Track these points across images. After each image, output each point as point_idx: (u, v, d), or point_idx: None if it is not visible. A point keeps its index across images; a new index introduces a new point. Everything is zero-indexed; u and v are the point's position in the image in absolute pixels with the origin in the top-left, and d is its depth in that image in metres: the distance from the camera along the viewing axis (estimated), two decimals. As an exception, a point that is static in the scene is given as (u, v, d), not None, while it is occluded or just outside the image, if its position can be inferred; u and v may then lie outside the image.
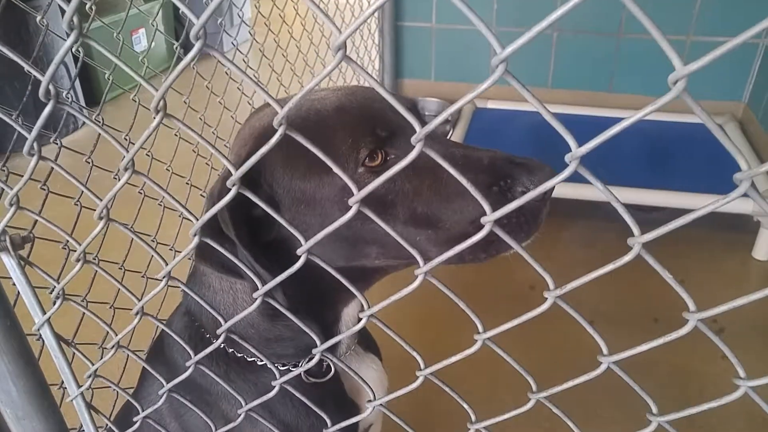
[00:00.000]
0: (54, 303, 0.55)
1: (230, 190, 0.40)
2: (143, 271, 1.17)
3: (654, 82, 2.39)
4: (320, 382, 0.69)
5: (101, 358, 0.61)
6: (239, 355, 0.68)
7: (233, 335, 0.57)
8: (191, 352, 0.55)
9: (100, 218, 0.44)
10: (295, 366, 0.68)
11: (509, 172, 0.53)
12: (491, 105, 2.52)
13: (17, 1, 0.77)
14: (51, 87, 0.36)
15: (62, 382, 0.65)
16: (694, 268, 1.83)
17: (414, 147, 0.33)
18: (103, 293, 1.02)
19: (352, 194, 0.40)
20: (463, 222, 0.55)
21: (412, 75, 2.64)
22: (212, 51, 0.33)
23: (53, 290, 0.56)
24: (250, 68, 1.53)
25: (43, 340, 0.60)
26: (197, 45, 0.33)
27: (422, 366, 0.44)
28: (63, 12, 0.33)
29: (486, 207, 0.35)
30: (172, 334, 0.58)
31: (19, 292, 0.57)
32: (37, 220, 0.52)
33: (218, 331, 0.52)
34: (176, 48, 1.13)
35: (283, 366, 0.69)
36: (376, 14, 2.54)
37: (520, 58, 2.55)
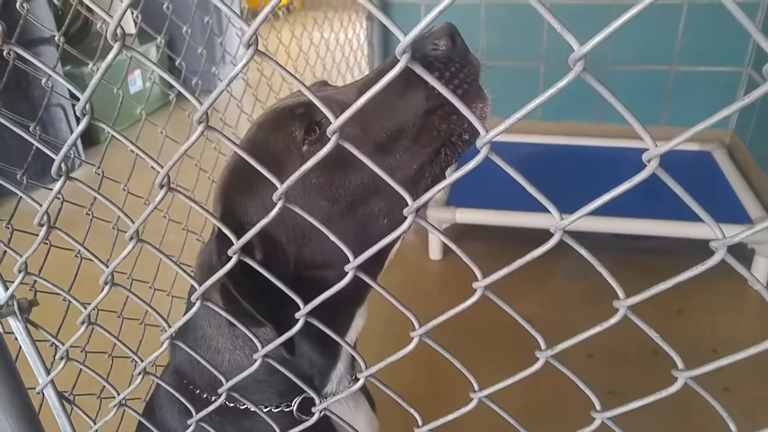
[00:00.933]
0: (58, 362, 0.56)
1: (230, 257, 0.42)
2: (140, 318, 1.18)
3: (640, 110, 2.45)
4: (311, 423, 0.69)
5: (99, 407, 0.61)
6: (231, 404, 0.68)
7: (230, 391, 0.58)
8: (192, 410, 0.56)
9: (105, 283, 0.45)
10: (288, 405, 0.69)
11: (416, 46, 0.54)
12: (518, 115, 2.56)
13: (20, 63, 0.79)
14: (63, 165, 0.38)
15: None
16: (690, 296, 1.84)
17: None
18: (102, 342, 1.03)
19: (310, 179, 0.47)
20: (415, 117, 0.56)
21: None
22: (217, 132, 0.35)
23: (56, 349, 0.57)
24: (244, 113, 1.56)
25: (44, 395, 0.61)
26: (199, 129, 0.34)
27: (420, 423, 0.45)
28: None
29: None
30: (172, 391, 0.59)
31: (20, 348, 0.58)
32: (36, 279, 0.54)
33: (220, 390, 0.53)
34: (172, 99, 1.16)
35: (276, 408, 0.69)
36: (364, 48, 2.58)
37: (510, 89, 2.59)
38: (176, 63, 1.16)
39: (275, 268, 0.58)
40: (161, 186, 0.36)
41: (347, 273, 0.46)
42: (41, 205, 0.43)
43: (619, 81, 2.42)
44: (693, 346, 1.67)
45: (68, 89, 0.35)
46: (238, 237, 0.43)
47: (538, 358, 0.38)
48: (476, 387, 0.41)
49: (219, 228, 0.52)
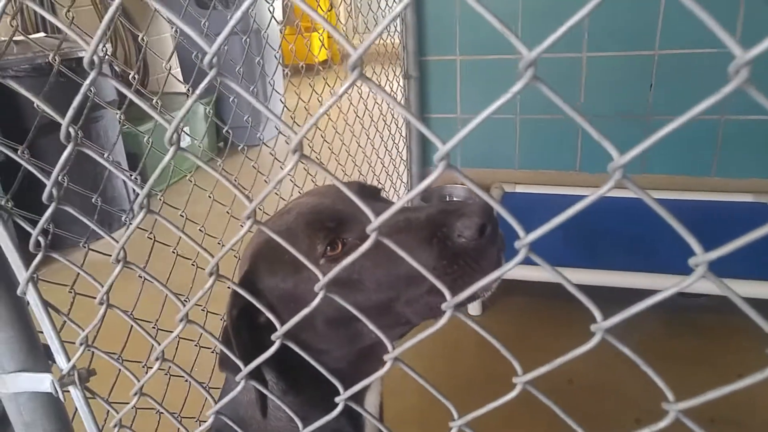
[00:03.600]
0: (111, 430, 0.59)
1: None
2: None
3: (684, 162, 2.41)
4: None
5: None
6: None
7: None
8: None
9: (156, 359, 0.48)
10: None
11: (444, 221, 0.57)
12: (519, 189, 2.58)
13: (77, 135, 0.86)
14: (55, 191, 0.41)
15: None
16: (751, 362, 1.75)
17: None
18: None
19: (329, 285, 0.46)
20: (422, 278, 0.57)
21: (441, 163, 2.72)
22: (263, 227, 0.38)
23: (108, 414, 0.60)
24: (281, 167, 1.62)
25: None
26: (248, 224, 0.37)
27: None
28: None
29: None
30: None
31: (76, 410, 0.61)
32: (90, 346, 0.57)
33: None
34: (219, 160, 1.22)
35: None
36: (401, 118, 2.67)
37: (548, 143, 2.63)
38: (224, 131, 1.23)
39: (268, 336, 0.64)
40: (210, 274, 0.40)
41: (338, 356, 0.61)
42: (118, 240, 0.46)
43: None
44: (749, 412, 1.58)
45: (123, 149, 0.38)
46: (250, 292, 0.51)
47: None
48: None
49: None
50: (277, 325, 0.43)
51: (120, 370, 0.62)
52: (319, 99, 1.92)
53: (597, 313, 0.30)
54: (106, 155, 1.00)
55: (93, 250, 0.93)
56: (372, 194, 0.73)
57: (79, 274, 0.53)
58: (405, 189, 2.75)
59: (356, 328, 0.63)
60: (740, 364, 1.72)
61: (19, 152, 0.78)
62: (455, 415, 0.37)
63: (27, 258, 0.48)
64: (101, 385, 0.69)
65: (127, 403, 0.56)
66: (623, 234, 2.11)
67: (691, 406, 0.30)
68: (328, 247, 0.62)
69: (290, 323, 0.41)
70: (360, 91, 2.20)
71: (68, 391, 0.54)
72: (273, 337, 0.43)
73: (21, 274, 0.47)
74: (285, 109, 1.72)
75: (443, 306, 0.34)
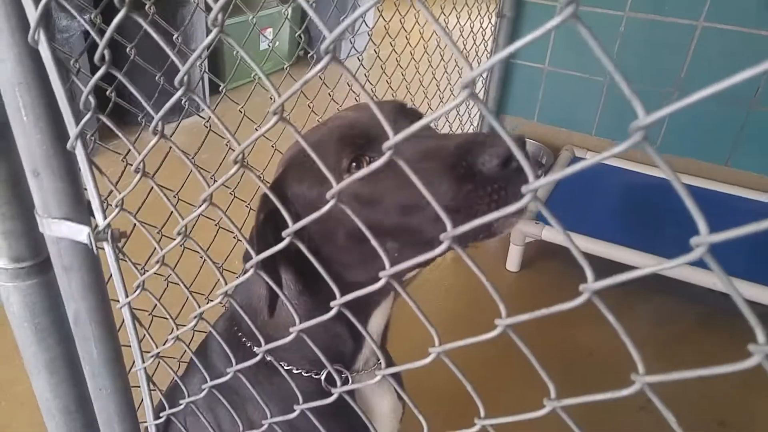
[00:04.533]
0: (135, 290, 0.64)
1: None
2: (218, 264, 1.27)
3: (700, 147, 2.27)
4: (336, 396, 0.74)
5: (164, 342, 0.70)
6: (269, 358, 0.74)
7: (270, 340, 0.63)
8: (232, 359, 0.62)
9: (179, 234, 0.51)
10: (318, 373, 0.74)
11: (471, 149, 0.55)
12: (590, 156, 2.46)
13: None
14: (186, 77, 0.42)
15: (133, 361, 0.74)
16: (734, 408, 1.65)
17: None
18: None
19: (347, 197, 0.50)
20: (441, 199, 0.57)
21: (516, 113, 2.63)
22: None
23: (141, 272, 0.66)
24: (369, 82, 1.61)
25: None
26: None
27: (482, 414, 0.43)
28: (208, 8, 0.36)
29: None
30: (216, 336, 0.66)
31: (111, 275, 0.67)
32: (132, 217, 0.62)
33: (257, 350, 0.58)
34: (290, 63, 1.23)
35: (306, 372, 0.74)
36: (487, 46, 2.56)
37: (631, 114, 2.44)
38: (296, 35, 1.22)
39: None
40: (235, 162, 0.41)
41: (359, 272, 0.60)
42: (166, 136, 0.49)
43: (764, 123, 2.19)
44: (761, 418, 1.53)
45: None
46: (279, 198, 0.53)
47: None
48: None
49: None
50: (290, 222, 0.44)
51: (153, 245, 0.66)
52: (416, 16, 1.86)
53: (589, 274, 0.29)
54: (175, 36, 1.02)
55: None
56: (411, 116, 0.72)
57: (131, 147, 0.56)
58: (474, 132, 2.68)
59: (380, 242, 0.63)
60: (723, 409, 1.63)
61: (92, 17, 0.81)
62: (437, 342, 0.38)
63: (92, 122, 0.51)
64: (133, 255, 0.74)
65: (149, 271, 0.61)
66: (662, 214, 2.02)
67: (657, 380, 0.29)
68: (354, 164, 0.63)
69: (301, 223, 0.42)
70: (446, 21, 2.11)
71: (102, 248, 0.59)
72: (283, 233, 0.45)
73: (72, 129, 0.50)
74: (381, 18, 1.66)
75: (441, 236, 0.34)
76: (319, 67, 0.32)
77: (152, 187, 0.98)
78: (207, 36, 0.37)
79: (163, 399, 0.81)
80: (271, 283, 0.52)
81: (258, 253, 0.59)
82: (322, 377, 0.74)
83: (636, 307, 1.94)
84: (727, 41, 2.11)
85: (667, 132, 2.35)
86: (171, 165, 1.02)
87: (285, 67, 1.24)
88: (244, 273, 0.61)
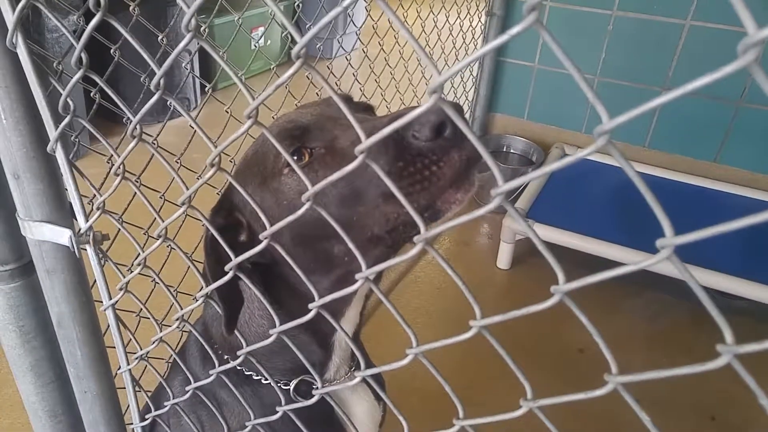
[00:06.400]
0: (118, 292, 0.64)
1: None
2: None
3: (688, 143, 2.28)
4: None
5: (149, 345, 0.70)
6: (239, 367, 0.73)
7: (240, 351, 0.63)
8: (216, 362, 0.62)
9: (158, 239, 0.52)
10: (287, 384, 0.73)
11: (404, 123, 0.50)
12: (581, 154, 2.47)
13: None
14: (161, 82, 0.42)
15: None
16: (728, 403, 1.66)
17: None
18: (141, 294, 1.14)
19: (283, 197, 0.53)
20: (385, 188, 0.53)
21: (505, 111, 2.64)
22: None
23: (128, 273, 0.66)
24: (358, 81, 1.61)
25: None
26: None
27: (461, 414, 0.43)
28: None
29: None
30: (198, 335, 0.66)
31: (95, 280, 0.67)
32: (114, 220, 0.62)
33: (239, 353, 0.58)
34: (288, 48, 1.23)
35: (275, 383, 0.74)
36: (477, 44, 2.57)
37: (621, 111, 2.45)
38: (282, 34, 1.22)
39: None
40: (211, 165, 0.41)
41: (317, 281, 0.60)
42: (153, 135, 0.49)
43: (751, 119, 2.20)
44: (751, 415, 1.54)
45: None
46: (228, 211, 0.61)
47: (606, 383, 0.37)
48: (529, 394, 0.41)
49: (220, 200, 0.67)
50: (231, 255, 0.44)
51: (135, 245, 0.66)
52: (405, 14, 1.86)
53: (560, 275, 0.29)
54: (160, 37, 1.02)
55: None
56: (363, 110, 0.70)
57: (112, 152, 0.56)
58: (464, 131, 2.68)
59: (324, 248, 0.61)
60: (716, 405, 1.63)
61: (76, 18, 0.81)
62: (414, 343, 0.38)
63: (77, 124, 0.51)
64: (121, 256, 0.74)
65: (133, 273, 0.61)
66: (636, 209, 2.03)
67: (628, 381, 0.30)
68: (294, 156, 0.59)
69: (243, 256, 0.42)
70: (435, 19, 2.12)
71: (85, 250, 0.59)
72: (261, 236, 0.45)
73: (51, 132, 0.50)
74: (369, 17, 1.66)
75: (415, 239, 0.34)
76: (290, 72, 0.33)
77: (138, 187, 0.98)
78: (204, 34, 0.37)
79: (149, 401, 0.81)
80: (219, 308, 0.52)
81: (210, 275, 0.60)
82: (291, 388, 0.73)
83: (627, 302, 1.96)
84: (715, 40, 2.12)
85: (657, 129, 2.37)
86: (159, 163, 1.01)
87: (272, 67, 1.24)
88: (196, 301, 0.60)
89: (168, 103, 1.07)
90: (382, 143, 0.48)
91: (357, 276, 0.39)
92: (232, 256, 0.49)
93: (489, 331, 0.36)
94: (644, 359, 1.73)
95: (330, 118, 0.62)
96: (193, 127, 1.08)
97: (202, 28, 1.01)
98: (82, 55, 0.43)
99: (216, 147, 0.41)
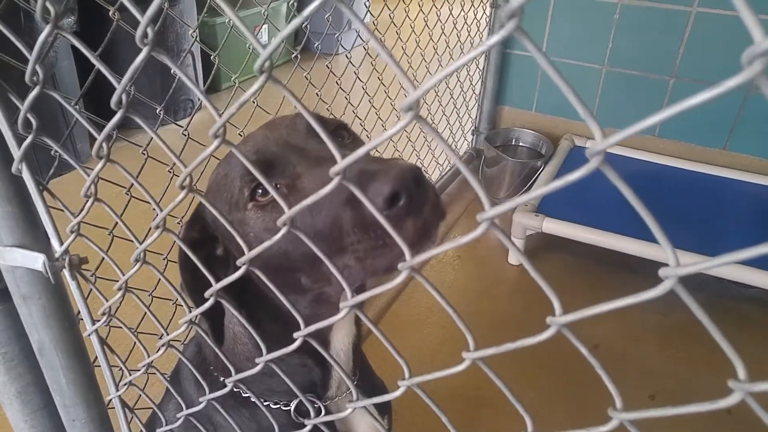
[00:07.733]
0: (101, 317, 0.60)
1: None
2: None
3: (698, 131, 2.22)
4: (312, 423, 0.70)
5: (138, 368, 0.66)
6: (236, 390, 0.71)
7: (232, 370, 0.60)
8: (206, 387, 0.59)
9: (136, 261, 0.48)
10: (287, 404, 0.71)
11: (365, 182, 0.45)
12: (590, 144, 2.41)
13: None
14: (123, 97, 0.39)
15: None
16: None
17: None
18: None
19: (249, 229, 0.53)
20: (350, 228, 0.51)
21: (513, 104, 2.58)
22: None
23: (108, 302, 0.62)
24: (360, 79, 1.57)
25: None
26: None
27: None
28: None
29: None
30: (187, 364, 0.62)
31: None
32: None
33: (227, 381, 0.54)
34: (295, 57, 1.18)
35: (275, 404, 0.71)
36: (482, 36, 2.51)
37: (629, 101, 2.41)
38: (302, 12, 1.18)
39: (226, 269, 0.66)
40: (181, 187, 0.37)
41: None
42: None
43: (761, 107, 2.13)
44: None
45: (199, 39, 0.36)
46: (201, 229, 0.61)
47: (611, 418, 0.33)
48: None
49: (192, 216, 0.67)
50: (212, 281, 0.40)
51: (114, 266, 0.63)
52: (406, 9, 1.81)
53: (557, 306, 0.26)
54: (146, 40, 0.98)
55: (122, 138, 0.94)
56: (332, 127, 0.68)
57: (83, 174, 0.52)
58: (472, 125, 2.63)
59: (294, 277, 0.60)
60: (759, 360, 1.62)
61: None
62: (407, 374, 0.34)
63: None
64: (101, 285, 0.70)
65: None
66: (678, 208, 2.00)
67: (635, 418, 0.25)
68: (259, 190, 0.59)
69: (223, 282, 0.38)
70: (438, 13, 2.06)
71: (63, 275, 0.56)
72: (238, 262, 0.41)
73: (15, 152, 0.46)
74: (369, 13, 1.62)
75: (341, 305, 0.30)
76: (253, 88, 0.29)
77: (129, 200, 0.94)
78: (198, 36, 0.34)
79: (143, 429, 0.78)
80: (201, 331, 0.49)
81: (188, 292, 0.60)
82: (292, 408, 0.71)
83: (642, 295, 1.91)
84: (722, 26, 2.05)
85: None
86: (155, 172, 0.98)
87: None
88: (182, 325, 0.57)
89: (158, 111, 1.02)
90: (345, 202, 0.49)
91: (341, 306, 0.36)
92: (213, 282, 0.45)
93: (481, 363, 0.33)
94: (656, 350, 1.71)
95: (295, 149, 0.61)
96: (184, 135, 1.04)
97: (192, 32, 0.97)
98: (38, 68, 0.39)
99: (185, 167, 0.37)
